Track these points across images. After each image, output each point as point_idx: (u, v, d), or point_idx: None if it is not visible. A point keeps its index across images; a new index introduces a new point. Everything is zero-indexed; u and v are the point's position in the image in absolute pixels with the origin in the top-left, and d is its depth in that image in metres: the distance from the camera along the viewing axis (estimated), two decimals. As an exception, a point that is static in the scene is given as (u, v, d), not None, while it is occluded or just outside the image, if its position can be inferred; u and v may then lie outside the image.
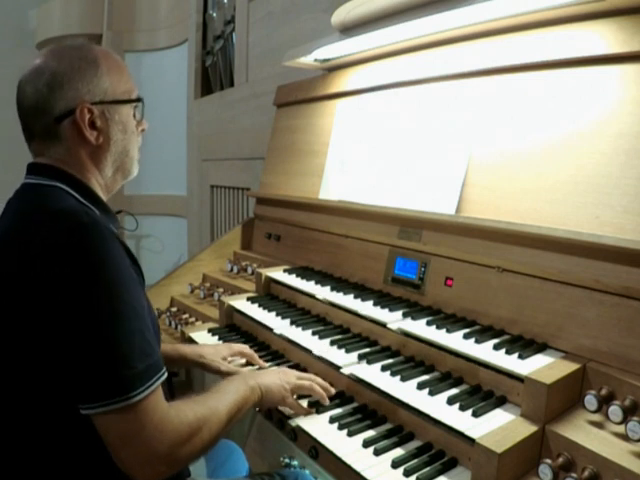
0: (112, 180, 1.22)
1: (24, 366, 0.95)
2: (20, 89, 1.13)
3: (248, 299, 1.89)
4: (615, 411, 0.99)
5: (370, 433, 1.19)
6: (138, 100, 1.22)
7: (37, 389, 0.96)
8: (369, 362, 1.34)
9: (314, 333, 1.54)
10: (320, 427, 1.22)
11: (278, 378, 1.26)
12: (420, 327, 1.38)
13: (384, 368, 1.31)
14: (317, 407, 1.28)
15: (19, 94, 1.13)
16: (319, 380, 1.34)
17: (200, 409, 1.02)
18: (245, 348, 1.58)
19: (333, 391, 1.34)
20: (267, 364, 1.55)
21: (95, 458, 0.98)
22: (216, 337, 1.78)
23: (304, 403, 1.31)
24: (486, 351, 1.22)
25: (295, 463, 1.41)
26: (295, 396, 1.29)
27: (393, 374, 1.28)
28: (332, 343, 1.47)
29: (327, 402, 1.30)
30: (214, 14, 4.02)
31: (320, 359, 1.43)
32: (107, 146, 1.16)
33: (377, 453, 1.11)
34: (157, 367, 0.96)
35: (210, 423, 1.02)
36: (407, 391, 1.21)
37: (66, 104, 1.09)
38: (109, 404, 0.90)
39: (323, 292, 1.70)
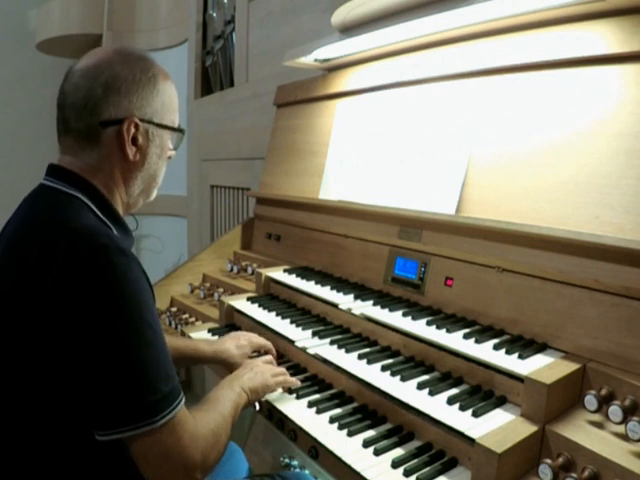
0: (135, 200, 1.20)
1: (39, 388, 0.94)
2: (70, 79, 1.08)
3: (248, 299, 1.89)
4: (615, 411, 0.99)
5: (370, 433, 1.19)
6: (182, 131, 1.23)
7: (51, 412, 0.95)
8: (369, 362, 1.34)
9: (314, 333, 1.54)
10: (320, 427, 1.22)
11: (255, 373, 1.30)
12: (420, 327, 1.38)
13: (384, 368, 1.31)
14: (317, 407, 1.28)
15: (67, 83, 1.09)
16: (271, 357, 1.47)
17: (214, 416, 1.07)
18: (266, 344, 1.57)
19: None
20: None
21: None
22: (216, 337, 1.78)
23: (304, 404, 1.31)
24: (486, 351, 1.22)
25: (295, 463, 1.41)
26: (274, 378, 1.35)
27: (393, 374, 1.28)
28: (332, 343, 1.47)
29: (299, 384, 1.39)
30: (214, 14, 4.02)
31: (320, 359, 1.43)
32: (141, 165, 1.15)
33: (377, 453, 1.11)
34: (178, 388, 0.98)
35: (224, 428, 1.07)
36: (407, 391, 1.21)
37: (116, 112, 1.07)
38: (138, 427, 0.90)
39: (323, 292, 1.70)
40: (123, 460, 0.94)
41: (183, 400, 0.98)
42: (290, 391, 1.37)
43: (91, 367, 0.91)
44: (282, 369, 1.40)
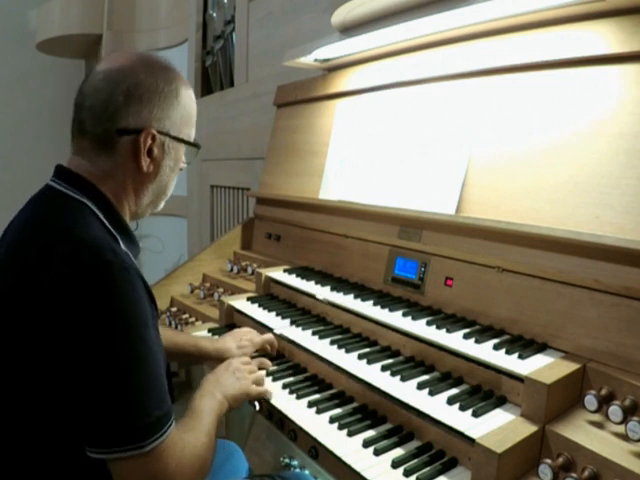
0: (143, 210, 1.19)
1: (33, 396, 0.93)
2: (91, 81, 1.07)
3: (248, 299, 1.89)
4: (615, 411, 0.99)
5: (370, 433, 1.19)
6: (198, 147, 1.21)
7: (44, 426, 0.93)
8: (369, 362, 1.34)
9: (314, 333, 1.54)
10: (320, 427, 1.22)
11: (236, 379, 1.30)
12: (420, 327, 1.38)
13: (384, 368, 1.31)
14: (317, 407, 1.28)
15: (88, 85, 1.07)
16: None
17: (201, 437, 1.05)
18: (268, 339, 1.57)
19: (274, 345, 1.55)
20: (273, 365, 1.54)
21: None
22: (216, 337, 1.78)
23: (304, 404, 1.31)
24: (486, 351, 1.22)
25: (295, 463, 1.41)
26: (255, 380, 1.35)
27: (393, 374, 1.28)
28: (332, 343, 1.47)
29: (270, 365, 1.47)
30: (214, 14, 4.02)
31: (321, 359, 1.43)
32: (154, 177, 1.13)
33: (377, 453, 1.11)
34: (170, 412, 0.96)
35: (210, 448, 1.06)
36: (407, 391, 1.21)
37: (135, 121, 1.05)
38: (125, 450, 0.89)
39: (323, 292, 1.70)
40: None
41: (173, 424, 0.96)
42: (290, 391, 1.37)
43: (84, 384, 0.89)
44: (262, 373, 1.40)
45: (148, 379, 0.93)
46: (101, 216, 1.04)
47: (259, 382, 1.35)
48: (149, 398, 0.92)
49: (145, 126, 1.06)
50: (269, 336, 1.59)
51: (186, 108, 1.14)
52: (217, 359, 1.50)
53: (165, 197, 1.23)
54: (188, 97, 1.15)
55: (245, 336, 1.57)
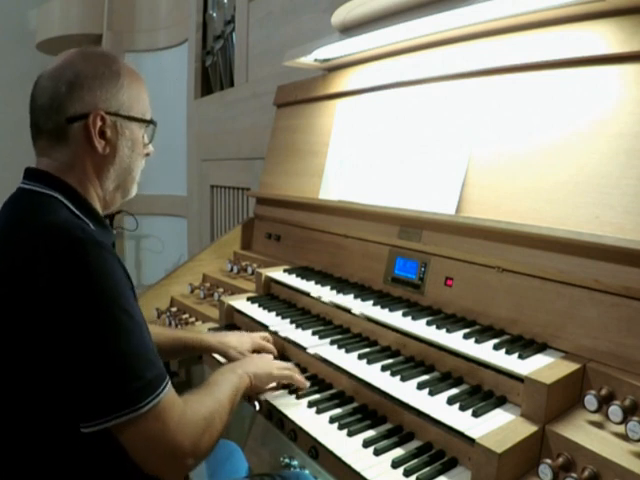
0: (111, 196, 1.21)
1: (24, 382, 0.95)
2: (38, 83, 1.11)
3: (248, 299, 1.89)
4: (615, 411, 0.99)
5: (370, 433, 1.19)
6: (152, 122, 1.23)
7: (38, 403, 0.95)
8: (369, 362, 1.34)
9: (314, 333, 1.54)
10: (320, 427, 1.22)
11: (261, 363, 1.34)
12: (420, 327, 1.38)
13: (384, 368, 1.31)
14: (317, 407, 1.28)
15: (36, 88, 1.12)
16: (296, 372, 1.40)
17: (209, 401, 1.09)
18: (267, 347, 1.58)
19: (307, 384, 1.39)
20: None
21: (97, 472, 0.99)
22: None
23: (304, 404, 1.31)
24: (486, 351, 1.22)
25: (295, 463, 1.42)
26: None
27: (393, 374, 1.28)
28: (332, 343, 1.47)
29: (307, 386, 1.36)
30: (214, 14, 4.02)
31: (320, 359, 1.43)
32: (112, 159, 1.15)
33: (377, 453, 1.11)
34: (163, 374, 0.99)
35: (219, 413, 1.09)
36: (407, 391, 1.21)
37: (81, 107, 1.08)
38: (124, 415, 0.91)
39: (323, 292, 1.70)
40: (109, 452, 0.96)
41: (169, 386, 0.99)
42: (290, 391, 1.37)
43: (73, 359, 0.92)
44: (289, 364, 1.41)
45: (134, 345, 0.95)
46: (70, 206, 1.07)
47: (285, 369, 1.37)
48: (138, 362, 0.95)
49: (91, 109, 1.09)
50: (264, 333, 1.62)
51: (133, 88, 1.16)
52: (220, 351, 1.53)
53: (132, 180, 1.24)
54: (134, 80, 1.17)
55: (248, 335, 1.60)
